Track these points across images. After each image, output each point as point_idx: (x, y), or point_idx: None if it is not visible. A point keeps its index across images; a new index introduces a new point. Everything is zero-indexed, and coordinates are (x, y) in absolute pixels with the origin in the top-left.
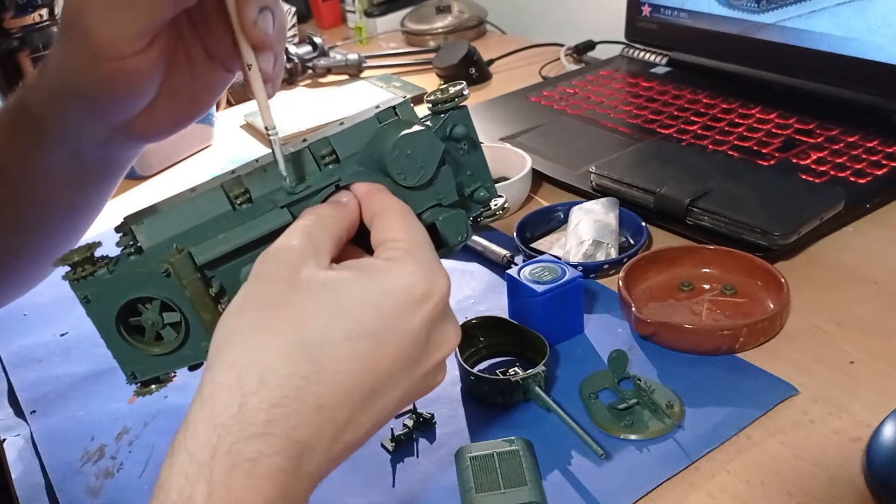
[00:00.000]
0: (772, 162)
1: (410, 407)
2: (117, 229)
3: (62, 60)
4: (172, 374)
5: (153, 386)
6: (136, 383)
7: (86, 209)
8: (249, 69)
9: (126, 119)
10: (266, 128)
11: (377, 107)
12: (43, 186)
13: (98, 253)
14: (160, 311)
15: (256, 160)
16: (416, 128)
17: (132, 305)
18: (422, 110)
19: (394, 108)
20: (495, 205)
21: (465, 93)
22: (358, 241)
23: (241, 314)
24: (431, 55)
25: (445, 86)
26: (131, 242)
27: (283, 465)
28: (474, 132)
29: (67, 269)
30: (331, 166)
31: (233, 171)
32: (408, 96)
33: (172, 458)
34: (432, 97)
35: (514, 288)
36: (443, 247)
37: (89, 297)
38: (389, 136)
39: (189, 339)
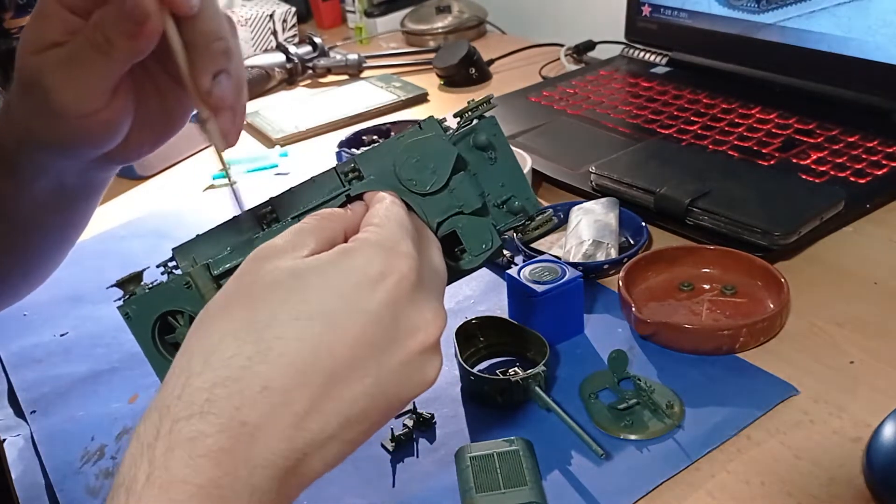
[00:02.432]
0: (772, 162)
1: (410, 406)
2: (169, 260)
3: (26, 116)
4: None
5: None
6: None
7: (69, 228)
8: (206, 124)
9: (102, 153)
10: (228, 176)
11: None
12: (21, 213)
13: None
14: (189, 326)
15: (290, 188)
16: (427, 134)
17: (168, 323)
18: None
19: (419, 123)
20: (540, 217)
21: (490, 102)
22: None
23: (209, 307)
24: (431, 55)
25: (473, 98)
26: (172, 265)
27: (226, 445)
28: (503, 142)
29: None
30: (353, 182)
31: (269, 199)
32: (434, 115)
33: (130, 444)
34: (460, 110)
35: (514, 288)
36: (465, 256)
37: (130, 315)
38: (402, 144)
39: None
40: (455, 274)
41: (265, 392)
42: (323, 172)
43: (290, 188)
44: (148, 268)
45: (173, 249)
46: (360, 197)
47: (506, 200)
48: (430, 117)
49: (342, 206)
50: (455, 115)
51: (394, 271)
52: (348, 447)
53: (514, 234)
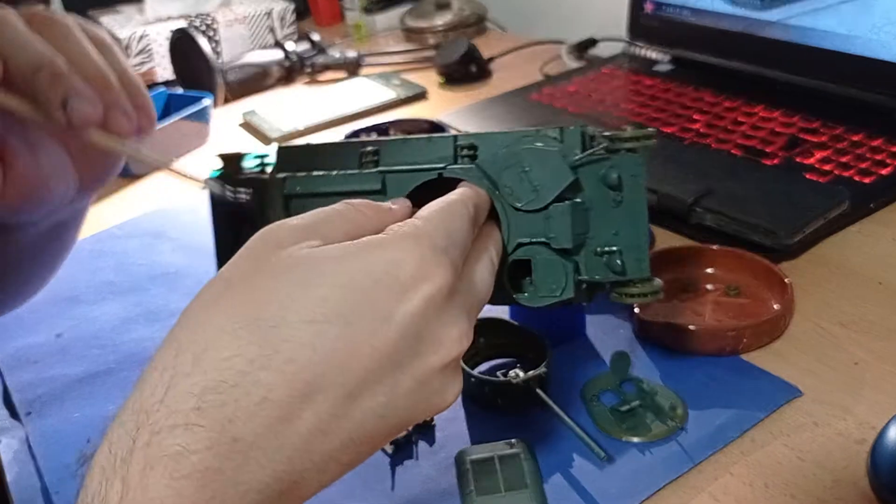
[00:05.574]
0: (775, 161)
1: None
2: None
3: None
4: None
5: None
6: None
7: (61, 251)
8: (105, 142)
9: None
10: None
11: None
12: (16, 252)
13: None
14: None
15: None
16: (551, 147)
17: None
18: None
19: (561, 128)
20: (643, 285)
21: (648, 136)
22: None
23: (209, 287)
24: (431, 52)
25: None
26: (268, 161)
27: (214, 464)
28: (639, 188)
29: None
30: (467, 160)
31: (378, 139)
32: (587, 126)
33: (97, 451)
34: (612, 132)
35: None
36: (529, 291)
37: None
38: (526, 143)
39: None
40: (510, 299)
41: (264, 404)
42: (442, 136)
43: (405, 137)
44: (253, 154)
45: (279, 147)
46: (454, 181)
47: (609, 252)
48: (578, 127)
49: (426, 184)
50: (604, 136)
51: (427, 279)
52: (346, 469)
53: (609, 292)
